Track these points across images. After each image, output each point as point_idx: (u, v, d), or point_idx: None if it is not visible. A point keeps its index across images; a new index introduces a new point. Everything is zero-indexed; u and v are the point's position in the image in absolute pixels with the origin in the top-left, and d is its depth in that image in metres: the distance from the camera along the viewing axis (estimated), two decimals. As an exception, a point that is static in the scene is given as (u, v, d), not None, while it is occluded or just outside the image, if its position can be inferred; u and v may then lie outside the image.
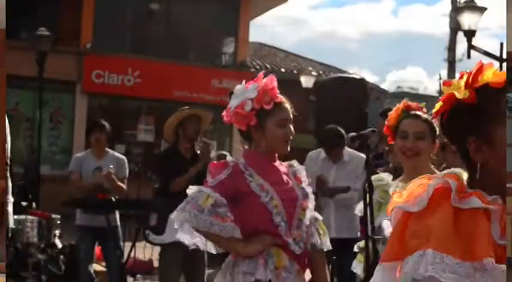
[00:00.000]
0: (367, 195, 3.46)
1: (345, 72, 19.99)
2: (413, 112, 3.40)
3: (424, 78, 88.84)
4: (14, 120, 14.25)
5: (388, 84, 66.86)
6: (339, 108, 7.32)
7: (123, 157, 6.96)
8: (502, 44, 12.51)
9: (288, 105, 3.19)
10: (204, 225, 2.95)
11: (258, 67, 20.73)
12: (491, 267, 1.33)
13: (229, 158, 3.15)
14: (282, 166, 3.26)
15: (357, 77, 9.47)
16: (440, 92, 1.64)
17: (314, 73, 19.32)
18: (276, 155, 3.23)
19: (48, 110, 17.79)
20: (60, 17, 18.73)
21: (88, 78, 18.07)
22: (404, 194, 1.49)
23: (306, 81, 18.46)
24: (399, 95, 22.16)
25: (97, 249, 7.09)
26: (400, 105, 3.48)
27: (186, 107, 6.00)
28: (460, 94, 1.51)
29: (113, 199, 6.54)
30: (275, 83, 3.14)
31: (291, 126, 3.19)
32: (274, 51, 24.35)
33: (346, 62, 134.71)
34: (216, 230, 2.96)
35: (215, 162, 3.16)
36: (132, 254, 6.65)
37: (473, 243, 1.36)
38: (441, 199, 1.43)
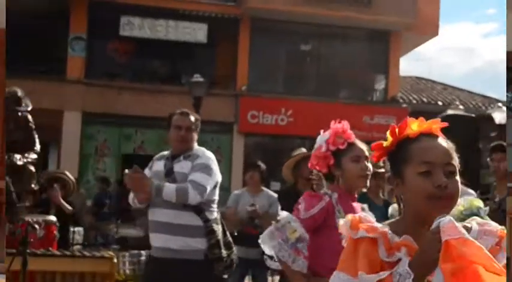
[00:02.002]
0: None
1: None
2: None
3: None
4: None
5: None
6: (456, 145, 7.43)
7: (275, 195, 7.43)
8: None
9: (362, 145, 3.55)
10: (283, 255, 3.37)
11: (414, 101, 20.79)
12: (363, 279, 1.79)
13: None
14: (357, 206, 3.58)
15: (468, 114, 9.54)
16: None
17: (461, 107, 19.04)
18: (356, 195, 3.57)
19: (208, 150, 18.79)
20: (218, 63, 19.97)
21: (244, 119, 19.00)
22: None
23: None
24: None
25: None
26: None
27: (302, 149, 6.38)
28: (386, 143, 2.02)
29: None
30: (346, 127, 3.56)
31: (368, 163, 3.55)
32: (432, 85, 24.19)
33: None
34: (289, 261, 3.37)
35: (310, 192, 3.57)
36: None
37: (356, 262, 1.85)
38: (347, 233, 1.93)
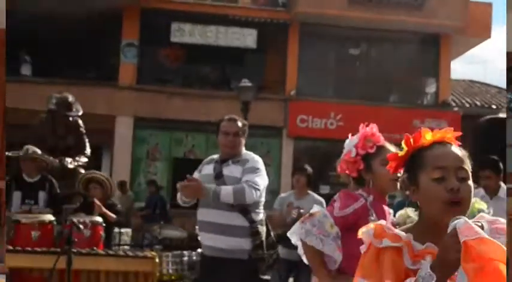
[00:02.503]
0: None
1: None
2: None
3: None
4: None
5: None
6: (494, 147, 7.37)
7: (321, 200, 7.49)
8: None
9: (391, 147, 3.55)
10: (329, 249, 3.41)
11: (467, 105, 20.53)
12: None
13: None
14: (387, 210, 3.61)
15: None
16: None
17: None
18: (387, 198, 3.60)
19: (258, 155, 18.94)
20: (267, 67, 20.10)
21: (293, 123, 19.06)
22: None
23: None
24: None
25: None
26: None
27: None
28: (400, 153, 2.12)
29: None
30: (375, 130, 3.58)
31: None
32: (486, 88, 23.83)
33: None
34: (335, 255, 3.43)
35: (347, 191, 3.61)
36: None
37: (382, 270, 1.94)
38: (370, 242, 2.00)
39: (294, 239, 3.56)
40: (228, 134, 4.93)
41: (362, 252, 2.03)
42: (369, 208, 3.49)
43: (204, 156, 5.83)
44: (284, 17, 19.20)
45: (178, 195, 4.92)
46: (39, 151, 7.03)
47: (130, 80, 18.78)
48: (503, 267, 1.71)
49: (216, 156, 5.06)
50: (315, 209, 3.57)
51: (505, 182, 6.42)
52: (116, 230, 6.67)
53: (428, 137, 2.08)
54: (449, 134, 2.10)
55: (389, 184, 3.54)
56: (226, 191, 4.70)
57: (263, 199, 4.96)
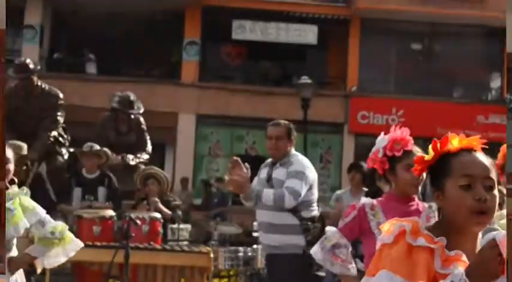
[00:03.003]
0: None
1: None
2: None
3: None
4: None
5: None
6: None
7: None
8: None
9: (418, 153, 3.58)
10: (324, 260, 3.65)
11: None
12: None
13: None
14: (416, 206, 3.65)
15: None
16: None
17: None
18: (411, 197, 3.65)
19: (319, 151, 19.05)
20: (328, 64, 20.09)
21: (354, 119, 18.99)
22: (384, 229, 2.07)
23: None
24: None
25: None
26: None
27: (417, 149, 6.41)
28: (427, 156, 2.11)
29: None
30: (405, 134, 3.64)
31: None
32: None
33: None
34: (328, 266, 3.69)
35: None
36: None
37: (415, 269, 1.94)
38: (399, 237, 1.99)
39: (318, 257, 3.74)
40: (271, 138, 5.14)
41: (382, 242, 2.04)
42: (367, 211, 3.60)
43: (264, 153, 6.03)
44: (345, 12, 19.15)
45: (241, 195, 5.12)
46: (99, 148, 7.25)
47: (192, 77, 19.06)
48: None
49: (270, 159, 5.30)
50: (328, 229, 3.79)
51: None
52: (175, 225, 6.82)
53: (455, 143, 2.09)
54: (476, 141, 2.11)
55: (410, 188, 3.62)
56: (268, 195, 4.97)
57: (313, 196, 5.17)
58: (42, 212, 3.56)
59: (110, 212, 6.47)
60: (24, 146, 6.61)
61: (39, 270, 3.70)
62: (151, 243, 6.12)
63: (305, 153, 16.51)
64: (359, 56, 19.34)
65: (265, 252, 5.35)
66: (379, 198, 3.70)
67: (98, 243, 6.00)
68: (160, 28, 18.77)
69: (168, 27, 18.95)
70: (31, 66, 7.73)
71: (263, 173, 5.24)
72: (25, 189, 3.58)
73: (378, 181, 3.82)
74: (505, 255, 1.81)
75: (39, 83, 7.82)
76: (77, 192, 6.84)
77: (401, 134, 3.69)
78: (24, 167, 6.54)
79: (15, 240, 3.51)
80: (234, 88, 19.05)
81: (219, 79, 19.48)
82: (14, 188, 3.53)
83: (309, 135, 17.02)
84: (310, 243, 4.88)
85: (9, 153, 3.50)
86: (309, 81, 16.03)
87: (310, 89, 16.02)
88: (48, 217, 3.58)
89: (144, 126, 8.36)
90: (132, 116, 8.21)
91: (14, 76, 7.92)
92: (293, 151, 5.20)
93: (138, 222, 5.80)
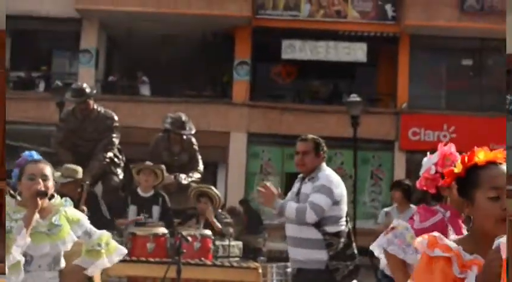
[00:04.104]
0: None
1: None
2: None
3: None
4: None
5: None
6: None
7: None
8: None
9: None
10: (411, 258, 3.52)
11: None
12: None
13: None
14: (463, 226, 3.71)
15: None
16: None
17: None
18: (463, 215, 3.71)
19: (369, 168, 19.10)
20: (378, 81, 20.16)
21: (405, 136, 18.99)
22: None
23: None
24: None
25: None
26: None
27: None
28: (456, 169, 2.29)
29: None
30: (453, 149, 3.79)
31: None
32: None
33: None
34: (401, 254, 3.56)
35: (425, 206, 3.77)
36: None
37: (432, 277, 2.15)
38: (422, 250, 2.23)
39: (377, 252, 3.73)
40: (298, 153, 5.19)
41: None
42: (446, 223, 3.64)
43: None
44: (394, 30, 19.23)
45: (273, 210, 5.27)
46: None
47: (243, 97, 19.37)
48: None
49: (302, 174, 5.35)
50: (396, 222, 3.74)
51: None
52: (226, 242, 7.02)
53: (481, 156, 2.29)
54: (500, 154, 2.31)
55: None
56: (291, 208, 5.03)
57: (340, 212, 5.15)
58: (86, 222, 3.61)
59: (163, 230, 6.70)
60: (80, 169, 6.87)
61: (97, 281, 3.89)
62: (202, 259, 6.35)
63: (355, 170, 16.72)
64: (409, 73, 19.38)
65: (292, 267, 5.36)
66: (447, 212, 3.70)
67: (152, 259, 6.25)
68: (212, 49, 19.16)
69: (219, 49, 19.32)
70: (87, 90, 8.04)
71: (295, 187, 5.29)
72: (68, 199, 3.60)
73: (432, 201, 3.87)
74: (504, 256, 1.99)
75: (95, 106, 8.12)
76: (132, 210, 7.09)
77: (449, 149, 3.82)
78: (79, 189, 6.81)
79: (62, 253, 3.50)
80: (284, 106, 19.28)
81: (269, 98, 19.75)
82: (56, 200, 3.54)
83: (359, 152, 17.10)
84: (333, 258, 5.01)
85: (48, 170, 3.48)
86: (358, 98, 16.15)
87: (360, 107, 16.14)
88: (92, 227, 3.62)
89: (196, 146, 8.57)
90: (185, 137, 8.43)
91: (71, 100, 8.27)
92: (323, 166, 5.20)
93: (190, 238, 6.02)
